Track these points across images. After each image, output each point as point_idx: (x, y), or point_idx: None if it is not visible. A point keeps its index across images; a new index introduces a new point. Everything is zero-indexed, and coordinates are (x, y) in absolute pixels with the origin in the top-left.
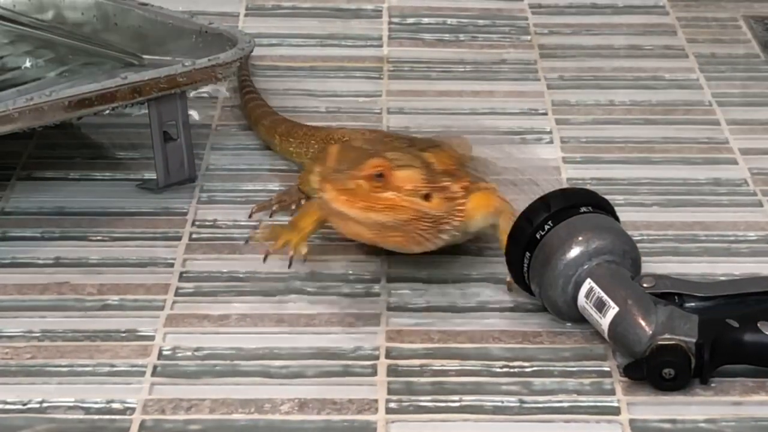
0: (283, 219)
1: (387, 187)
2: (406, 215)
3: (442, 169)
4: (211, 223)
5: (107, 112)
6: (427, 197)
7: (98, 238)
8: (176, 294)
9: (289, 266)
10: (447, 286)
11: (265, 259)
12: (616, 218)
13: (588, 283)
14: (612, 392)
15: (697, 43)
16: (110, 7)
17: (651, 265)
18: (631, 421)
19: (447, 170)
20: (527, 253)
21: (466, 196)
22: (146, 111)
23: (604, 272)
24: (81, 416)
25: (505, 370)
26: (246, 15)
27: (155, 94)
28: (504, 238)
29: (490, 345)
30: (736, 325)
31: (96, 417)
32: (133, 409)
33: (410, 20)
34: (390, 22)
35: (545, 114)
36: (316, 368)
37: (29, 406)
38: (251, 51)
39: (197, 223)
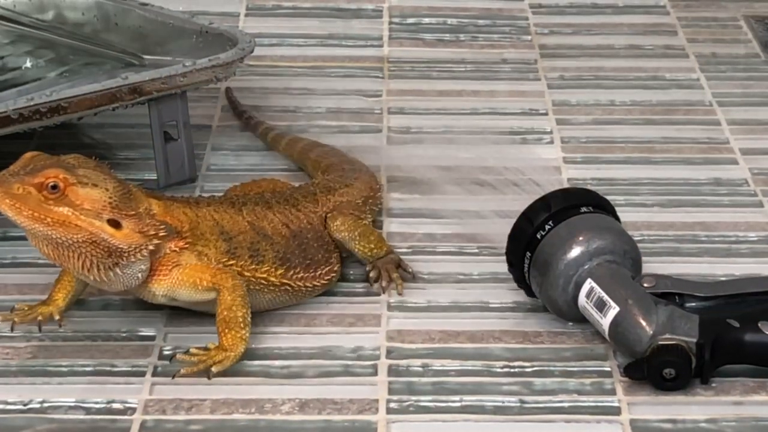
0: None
1: (62, 202)
2: (80, 235)
3: (158, 216)
4: None
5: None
6: (116, 225)
7: None
8: None
9: (39, 330)
10: (447, 285)
11: (12, 329)
12: (617, 218)
13: (588, 283)
14: (613, 392)
15: (697, 43)
16: (111, 7)
17: (651, 265)
18: (632, 421)
19: (168, 222)
20: (528, 252)
21: (178, 256)
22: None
23: (605, 272)
24: (82, 416)
25: (505, 370)
26: (246, 15)
27: (155, 94)
28: (226, 314)
29: (491, 345)
30: (736, 325)
31: (97, 417)
32: (133, 409)
33: (410, 20)
34: (390, 22)
35: (546, 114)
36: (316, 368)
37: (30, 406)
38: (251, 51)
39: None
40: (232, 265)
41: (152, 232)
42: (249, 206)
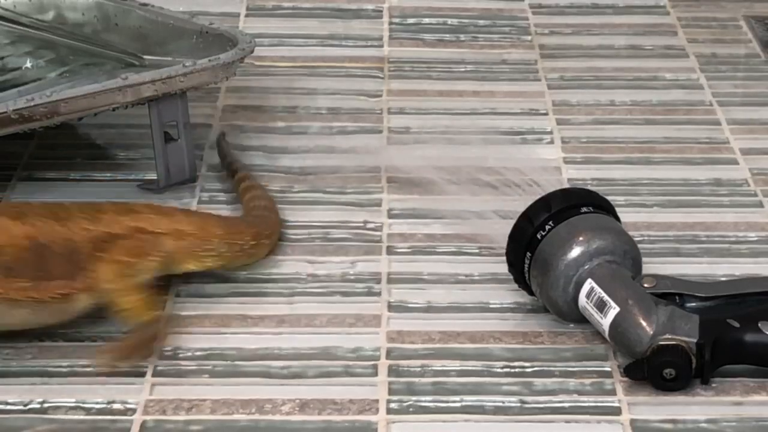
0: None
1: None
2: None
3: None
4: None
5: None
6: None
7: None
8: (177, 294)
9: None
10: (447, 286)
11: None
12: (617, 218)
13: (589, 284)
14: (613, 392)
15: (697, 43)
16: (111, 8)
17: (652, 266)
18: (632, 422)
19: None
20: (528, 253)
21: None
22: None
23: (605, 272)
24: (82, 417)
25: (505, 370)
26: (247, 15)
27: (156, 95)
28: None
29: (491, 345)
30: (736, 325)
31: (97, 417)
32: (134, 410)
33: (411, 20)
34: (390, 22)
35: (546, 114)
36: (316, 368)
37: (30, 406)
38: (251, 51)
39: None
40: None
41: None
42: None
